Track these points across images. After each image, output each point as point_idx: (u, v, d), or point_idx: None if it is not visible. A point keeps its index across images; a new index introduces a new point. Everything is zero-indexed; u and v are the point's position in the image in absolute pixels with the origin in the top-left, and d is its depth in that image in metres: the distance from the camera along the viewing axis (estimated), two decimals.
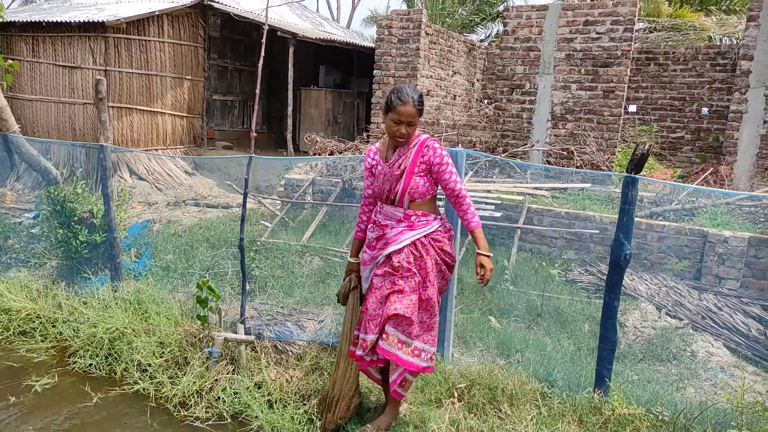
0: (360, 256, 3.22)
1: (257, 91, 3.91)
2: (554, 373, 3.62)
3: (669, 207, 6.18)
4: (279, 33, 9.47)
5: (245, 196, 4.33)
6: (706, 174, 7.92)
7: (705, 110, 10.47)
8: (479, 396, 3.33)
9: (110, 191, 5.03)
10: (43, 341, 4.78)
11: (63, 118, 9.05)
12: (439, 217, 3.08)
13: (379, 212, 3.09)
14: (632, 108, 11.04)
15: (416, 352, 2.92)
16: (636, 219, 5.87)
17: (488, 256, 2.91)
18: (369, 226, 3.13)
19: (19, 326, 4.95)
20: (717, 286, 5.28)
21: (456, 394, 3.36)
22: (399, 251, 2.94)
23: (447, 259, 3.06)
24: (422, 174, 2.95)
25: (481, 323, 4.51)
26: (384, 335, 2.92)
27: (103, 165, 4.99)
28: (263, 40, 3.75)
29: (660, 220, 5.94)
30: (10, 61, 7.11)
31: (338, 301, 3.39)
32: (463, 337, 4.28)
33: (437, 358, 3.75)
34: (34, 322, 4.97)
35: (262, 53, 3.85)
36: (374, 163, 3.11)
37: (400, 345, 2.90)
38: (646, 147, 2.99)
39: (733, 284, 5.27)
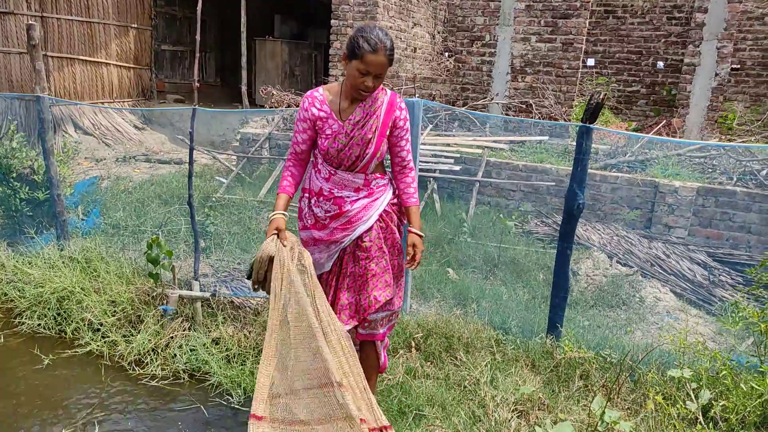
0: (300, 234, 2.73)
1: (197, 37, 3.69)
2: (509, 321, 3.70)
3: (623, 159, 6.30)
4: None
5: (191, 150, 4.16)
6: (659, 126, 8.09)
7: (660, 64, 10.61)
8: (436, 345, 3.38)
9: (50, 145, 4.75)
10: None
11: (2, 68, 8.44)
12: (388, 175, 2.74)
13: (326, 179, 2.59)
14: (590, 62, 11.09)
15: (393, 316, 2.80)
16: (591, 171, 5.96)
17: (420, 236, 2.65)
18: (312, 199, 2.64)
19: None
20: (666, 234, 5.46)
21: (413, 344, 3.39)
22: (369, 230, 2.59)
23: (403, 219, 2.78)
24: (387, 137, 2.58)
25: (439, 275, 4.55)
26: (365, 323, 2.71)
27: (41, 117, 4.69)
28: None
29: (614, 172, 6.05)
30: None
31: (251, 281, 2.61)
32: (421, 288, 4.31)
33: None
34: None
35: (199, 5, 3.59)
36: (324, 115, 2.54)
37: (382, 323, 2.73)
38: (601, 96, 2.98)
39: (681, 233, 5.46)
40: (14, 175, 5.07)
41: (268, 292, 2.55)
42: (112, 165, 7.77)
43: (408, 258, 2.65)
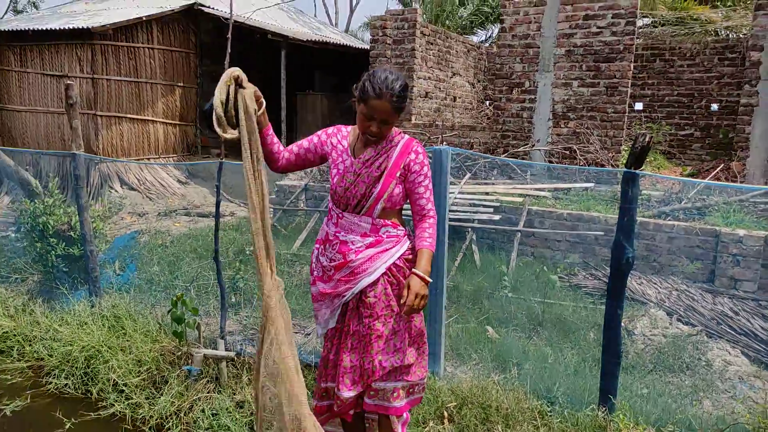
0: (311, 290, 2.57)
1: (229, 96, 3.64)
2: (555, 389, 3.30)
3: (678, 206, 5.85)
4: (270, 36, 9.24)
5: (218, 204, 4.07)
6: (716, 171, 7.57)
7: (714, 106, 10.12)
8: (471, 416, 3.02)
9: (84, 202, 4.79)
10: (19, 360, 4.54)
11: (52, 128, 8.87)
12: (406, 230, 2.52)
13: (335, 223, 2.44)
14: (638, 106, 10.71)
15: (411, 390, 2.47)
16: (644, 219, 5.55)
17: (422, 278, 2.27)
18: (321, 248, 2.49)
19: None
20: (732, 288, 4.93)
21: (446, 414, 3.05)
22: (374, 284, 2.36)
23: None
24: (400, 181, 2.39)
25: (478, 334, 4.20)
26: (371, 392, 2.42)
27: (77, 174, 4.75)
28: (229, 35, 3.49)
29: (669, 220, 5.60)
30: None
31: (215, 118, 2.19)
32: (458, 349, 3.97)
33: (428, 374, 3.45)
34: (11, 340, 4.73)
35: (228, 49, 3.58)
36: (340, 148, 2.44)
37: (396, 394, 2.42)
38: (646, 139, 2.68)
39: (749, 286, 4.92)
40: (51, 231, 5.13)
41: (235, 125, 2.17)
42: (153, 219, 7.88)
43: (402, 301, 2.30)
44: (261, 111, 2.31)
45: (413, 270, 2.31)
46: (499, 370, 3.66)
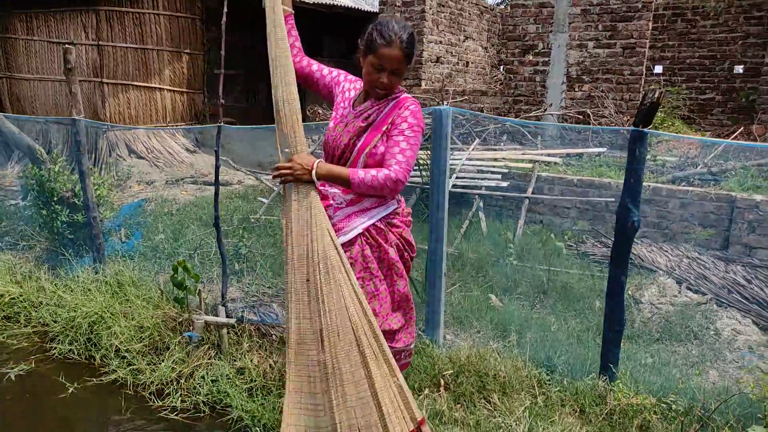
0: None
1: (222, 52, 3.56)
2: (556, 357, 3.24)
3: (693, 171, 5.65)
4: None
5: (217, 169, 4.02)
6: (735, 134, 7.29)
7: (739, 68, 9.71)
8: (468, 384, 2.98)
9: (86, 168, 4.76)
10: (25, 326, 4.60)
11: (60, 96, 8.83)
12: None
13: None
14: (658, 69, 10.33)
15: (397, 357, 2.39)
16: (656, 185, 5.37)
17: (307, 167, 2.12)
18: None
19: (3, 311, 4.79)
20: (747, 256, 4.78)
21: (442, 382, 3.01)
22: (350, 244, 2.28)
23: (408, 249, 2.42)
24: (386, 138, 2.26)
25: (480, 302, 4.13)
26: None
27: (78, 140, 4.71)
28: None
29: (683, 186, 5.42)
30: None
31: None
32: (459, 317, 3.91)
33: (426, 342, 3.41)
34: (18, 306, 4.80)
35: (225, 9, 3.46)
36: (347, 96, 2.37)
37: None
38: (656, 95, 2.53)
39: (764, 254, 4.76)
40: (56, 198, 5.12)
41: None
42: (160, 188, 7.87)
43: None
44: None
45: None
46: (500, 338, 3.60)
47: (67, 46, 4.48)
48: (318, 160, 2.17)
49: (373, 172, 2.17)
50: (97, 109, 8.67)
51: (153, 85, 9.03)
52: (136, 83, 8.82)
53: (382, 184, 2.15)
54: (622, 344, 3.00)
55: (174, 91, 9.38)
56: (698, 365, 3.36)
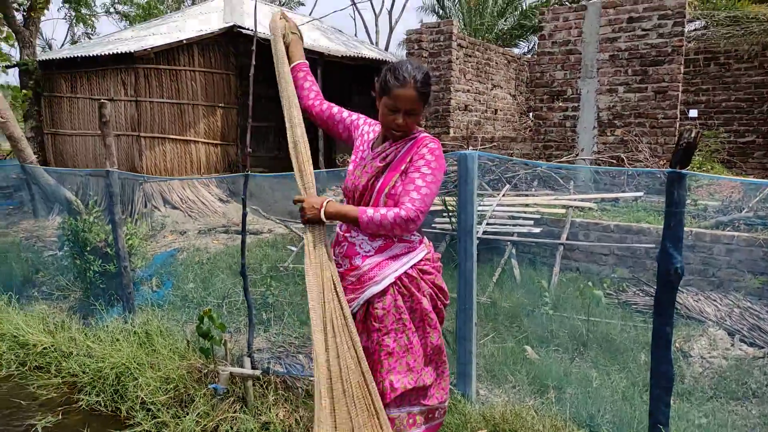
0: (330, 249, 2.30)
1: (249, 102, 3.60)
2: (599, 416, 2.99)
3: (738, 215, 5.38)
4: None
5: (244, 217, 4.00)
6: None
7: None
8: None
9: (118, 218, 4.83)
10: (55, 376, 4.58)
11: (100, 150, 9.16)
12: (424, 239, 2.32)
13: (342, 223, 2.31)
14: (693, 113, 10.15)
15: (431, 415, 2.26)
16: (699, 230, 5.13)
17: (315, 207, 2.14)
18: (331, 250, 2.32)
19: (35, 361, 4.80)
20: None
21: None
22: (382, 294, 2.15)
23: (441, 296, 2.30)
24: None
25: (515, 354, 3.92)
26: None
27: (110, 192, 4.80)
28: (253, 47, 3.44)
29: (728, 230, 5.16)
30: (24, 91, 7.21)
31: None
32: (492, 370, 3.70)
33: (458, 397, 3.21)
34: (49, 356, 4.80)
35: (253, 61, 3.53)
36: (366, 138, 2.34)
37: (411, 421, 2.21)
38: (692, 134, 2.40)
39: None
40: (89, 248, 5.20)
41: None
42: (193, 237, 7.96)
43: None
44: (289, 36, 2.48)
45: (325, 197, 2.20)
46: (537, 394, 3.37)
47: (102, 100, 4.64)
48: (328, 200, 2.15)
49: (382, 210, 2.09)
50: (134, 162, 8.95)
51: (188, 138, 9.32)
52: (171, 136, 9.11)
53: (391, 223, 2.07)
54: (672, 402, 2.76)
55: (208, 143, 9.64)
56: (760, 428, 3.06)
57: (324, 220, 2.14)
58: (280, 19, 2.51)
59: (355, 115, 2.46)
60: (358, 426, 2.03)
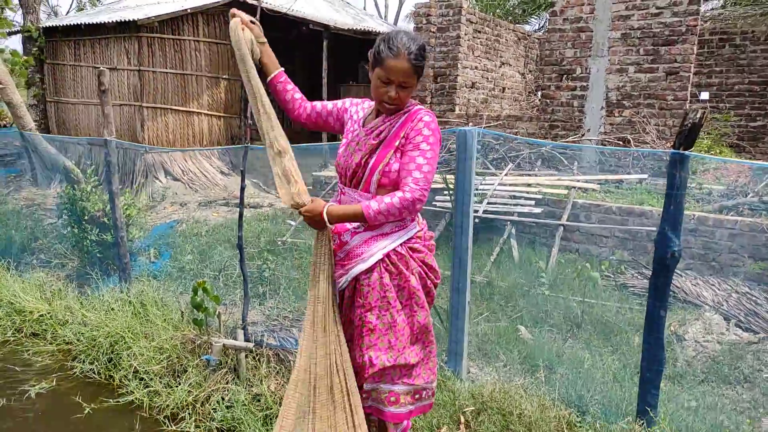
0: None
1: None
2: (588, 397, 2.98)
3: (743, 200, 5.29)
4: (311, 26, 9.13)
5: (242, 190, 3.97)
6: None
7: None
8: (489, 423, 2.75)
9: (115, 188, 4.81)
10: (51, 343, 4.62)
11: (103, 119, 9.11)
12: (416, 216, 2.25)
13: (337, 200, 2.28)
14: (704, 95, 9.94)
15: (419, 395, 2.21)
16: (702, 214, 5.06)
17: (318, 215, 2.07)
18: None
19: (31, 327, 4.84)
20: None
21: (462, 420, 2.79)
22: (368, 271, 2.13)
23: (431, 275, 2.25)
24: (400, 153, 2.11)
25: (509, 333, 3.90)
26: (363, 393, 2.19)
27: (108, 160, 4.78)
28: (257, 18, 3.35)
29: (732, 215, 5.08)
30: (25, 58, 7.14)
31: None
32: (484, 349, 3.69)
33: (448, 374, 3.20)
34: (46, 323, 4.83)
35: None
36: (356, 118, 2.27)
37: (394, 399, 2.17)
38: (698, 115, 2.32)
39: None
40: (86, 217, 5.19)
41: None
42: (193, 209, 7.95)
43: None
44: (257, 50, 2.26)
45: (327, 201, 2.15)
46: (528, 373, 3.36)
47: (101, 68, 4.57)
48: (327, 205, 2.09)
49: (387, 199, 2.02)
50: (136, 132, 8.90)
51: (191, 110, 9.24)
52: (174, 107, 9.03)
53: (399, 209, 2.01)
54: (662, 385, 2.73)
55: (211, 115, 9.56)
56: (750, 412, 3.03)
57: (329, 226, 2.10)
58: (242, 29, 2.21)
59: (339, 102, 2.39)
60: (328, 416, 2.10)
